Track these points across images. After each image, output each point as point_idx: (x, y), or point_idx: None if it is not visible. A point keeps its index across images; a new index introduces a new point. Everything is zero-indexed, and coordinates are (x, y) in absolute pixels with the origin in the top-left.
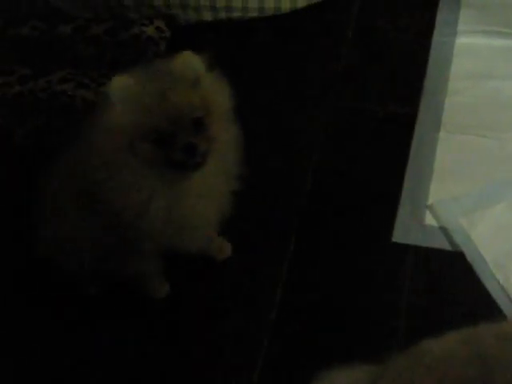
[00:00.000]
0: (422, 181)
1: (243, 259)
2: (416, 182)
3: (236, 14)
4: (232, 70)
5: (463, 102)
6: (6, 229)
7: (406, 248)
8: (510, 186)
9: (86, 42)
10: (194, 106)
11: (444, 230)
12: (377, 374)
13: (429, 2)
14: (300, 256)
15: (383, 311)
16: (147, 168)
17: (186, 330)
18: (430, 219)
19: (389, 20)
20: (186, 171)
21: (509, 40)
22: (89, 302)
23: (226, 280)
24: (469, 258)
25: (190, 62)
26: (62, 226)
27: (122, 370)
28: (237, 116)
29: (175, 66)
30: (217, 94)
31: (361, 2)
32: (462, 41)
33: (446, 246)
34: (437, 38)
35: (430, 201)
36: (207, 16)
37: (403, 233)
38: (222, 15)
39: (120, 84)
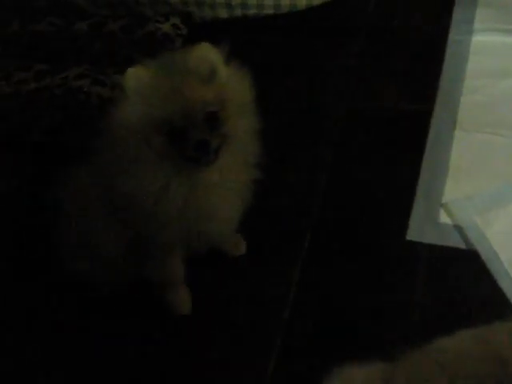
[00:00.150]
0: (437, 179)
1: (257, 257)
2: (431, 180)
3: (252, 11)
4: (247, 68)
5: (479, 101)
6: (20, 227)
7: (420, 246)
8: None
9: (102, 38)
10: (208, 100)
11: (459, 228)
12: (390, 371)
13: (445, 0)
14: (314, 255)
15: (397, 309)
16: (162, 160)
17: (196, 329)
18: (444, 218)
19: (404, 18)
20: (199, 166)
21: None
22: (91, 302)
23: (239, 278)
24: (483, 256)
25: (207, 54)
26: (79, 226)
27: (124, 370)
28: (257, 107)
29: (191, 58)
30: (235, 86)
31: (376, 0)
32: (478, 39)
33: (461, 245)
34: (453, 36)
35: (445, 199)
36: (223, 13)
37: (418, 231)
38: (238, 12)
39: (134, 76)
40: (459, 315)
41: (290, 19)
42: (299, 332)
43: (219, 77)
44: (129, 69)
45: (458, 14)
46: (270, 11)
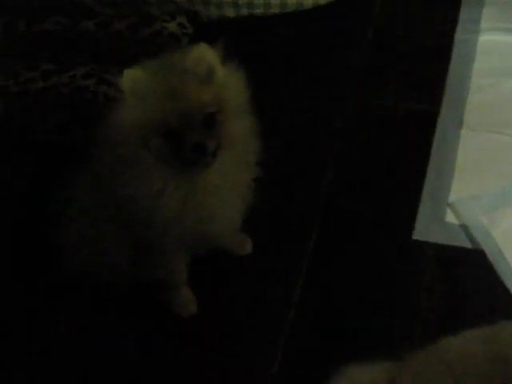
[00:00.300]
0: (443, 178)
1: (260, 257)
2: (437, 179)
3: (258, 11)
4: (253, 67)
5: (486, 100)
6: (25, 225)
7: (426, 246)
8: None
9: (109, 38)
10: (205, 102)
11: (465, 227)
12: (396, 371)
13: None
14: (319, 254)
15: (403, 308)
16: (159, 162)
17: (199, 329)
18: (450, 217)
19: (411, 18)
20: (196, 168)
21: None
22: (92, 302)
23: (242, 278)
24: (489, 256)
25: (204, 55)
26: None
27: (124, 370)
28: (253, 106)
29: (189, 59)
30: (231, 86)
31: (383, 0)
32: (484, 38)
33: (467, 244)
34: (459, 35)
35: (451, 199)
36: (229, 12)
37: (424, 230)
38: (244, 11)
39: (132, 77)
40: (465, 315)
41: (296, 18)
42: (303, 332)
43: (217, 78)
44: (126, 70)
45: (464, 14)
46: (277, 10)
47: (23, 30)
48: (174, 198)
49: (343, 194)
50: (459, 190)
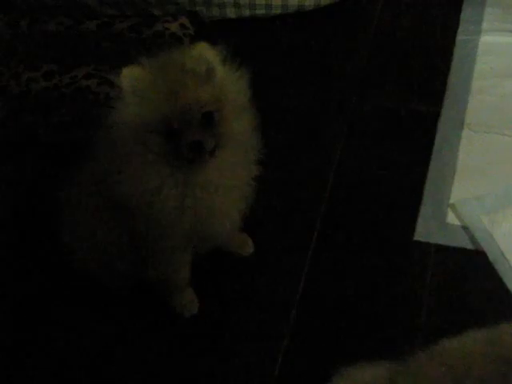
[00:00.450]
0: (444, 179)
1: (263, 258)
2: (438, 180)
3: (260, 12)
4: (255, 68)
5: (487, 101)
6: (25, 225)
7: (427, 246)
8: None
9: (111, 38)
10: (204, 100)
11: (466, 228)
12: (397, 371)
13: (453, 0)
14: (321, 254)
15: (404, 309)
16: (158, 159)
17: (201, 330)
18: (452, 218)
19: (412, 18)
20: (194, 165)
21: None
22: (92, 302)
23: (245, 279)
24: (490, 257)
25: (204, 53)
26: (82, 228)
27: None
28: (254, 106)
29: (188, 57)
30: (231, 85)
31: (384, 0)
32: (486, 39)
33: (468, 245)
34: (461, 36)
35: (453, 200)
36: (231, 13)
37: (425, 231)
38: (246, 12)
39: (130, 75)
40: (466, 316)
41: (297, 19)
42: (304, 333)
43: (216, 76)
44: (124, 68)
45: (466, 14)
46: (278, 11)
47: (25, 30)
48: (172, 196)
49: (344, 194)
50: (460, 191)
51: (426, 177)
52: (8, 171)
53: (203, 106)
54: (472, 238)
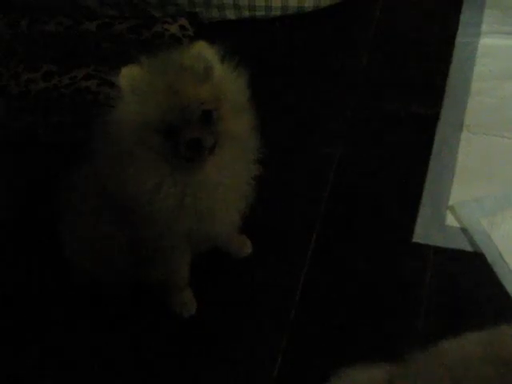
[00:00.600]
0: (443, 181)
1: (262, 258)
2: (437, 182)
3: (259, 13)
4: (255, 69)
5: (486, 103)
6: (25, 225)
7: (426, 248)
8: None
9: (110, 39)
10: (203, 99)
11: (465, 231)
12: (396, 372)
13: (453, 2)
14: (320, 256)
15: (403, 311)
16: (157, 158)
17: (200, 331)
18: (451, 220)
19: (411, 20)
20: (193, 164)
21: None
22: (92, 302)
23: (243, 279)
24: (489, 259)
25: (203, 52)
26: (82, 227)
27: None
28: (253, 106)
29: (187, 56)
30: (230, 84)
31: (383, 2)
32: (485, 41)
33: (467, 247)
34: (460, 38)
35: (452, 202)
36: (231, 14)
37: (424, 233)
38: (246, 14)
39: (129, 74)
40: (465, 318)
41: (297, 21)
42: (303, 333)
43: (215, 75)
44: (123, 68)
45: (465, 17)
46: (278, 13)
47: (25, 31)
48: (172, 195)
49: (343, 196)
50: (459, 193)
51: (425, 178)
52: (8, 171)
53: (202, 105)
54: (471, 240)
